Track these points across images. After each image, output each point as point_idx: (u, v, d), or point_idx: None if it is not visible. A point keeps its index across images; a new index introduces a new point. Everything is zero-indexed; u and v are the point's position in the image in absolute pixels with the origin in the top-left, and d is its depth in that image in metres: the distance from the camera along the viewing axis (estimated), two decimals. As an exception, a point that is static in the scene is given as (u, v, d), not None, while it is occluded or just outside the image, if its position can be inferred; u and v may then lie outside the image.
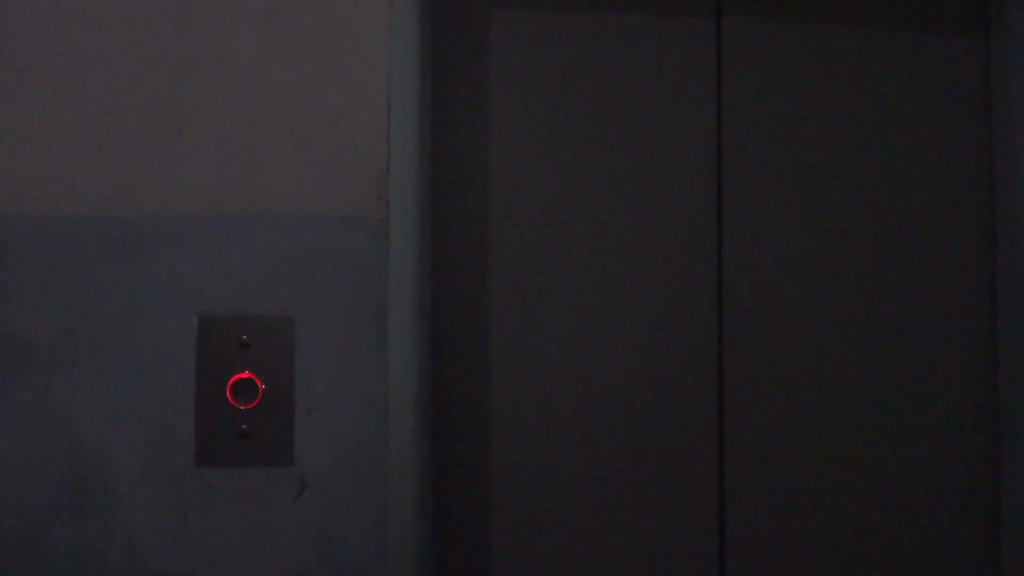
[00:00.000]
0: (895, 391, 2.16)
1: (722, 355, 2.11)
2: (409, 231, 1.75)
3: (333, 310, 1.57)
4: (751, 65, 2.14)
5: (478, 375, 2.03)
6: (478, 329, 2.03)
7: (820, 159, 2.15)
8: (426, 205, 1.95)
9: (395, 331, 1.62)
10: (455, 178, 2.04)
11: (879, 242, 2.17)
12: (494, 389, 2.03)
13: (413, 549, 1.77)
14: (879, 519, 2.15)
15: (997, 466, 2.17)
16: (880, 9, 2.17)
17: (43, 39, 1.58)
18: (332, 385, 1.58)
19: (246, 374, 1.57)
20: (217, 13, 1.59)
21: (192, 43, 1.59)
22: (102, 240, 1.57)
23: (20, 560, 1.55)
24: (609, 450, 2.07)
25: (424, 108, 1.93)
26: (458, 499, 2.02)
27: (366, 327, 1.58)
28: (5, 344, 1.56)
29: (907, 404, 2.16)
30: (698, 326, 2.11)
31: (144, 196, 1.57)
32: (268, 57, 1.59)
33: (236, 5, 1.59)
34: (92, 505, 1.56)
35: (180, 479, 1.57)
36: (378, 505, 1.57)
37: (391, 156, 1.59)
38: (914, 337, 2.17)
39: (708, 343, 2.11)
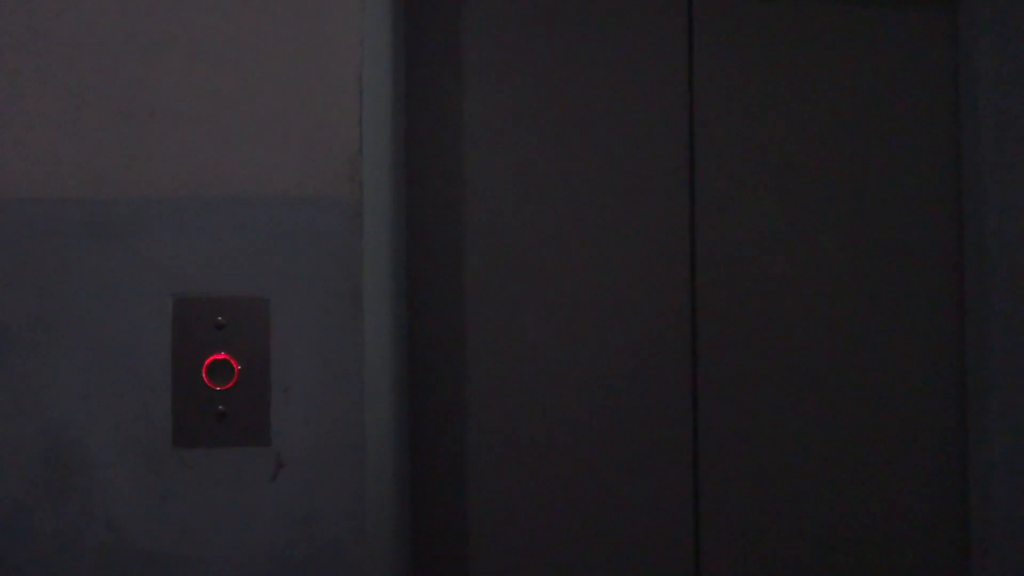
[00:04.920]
0: (866, 378, 2.18)
1: (696, 339, 2.13)
2: (383, 212, 1.76)
3: (308, 291, 1.58)
4: (722, 41, 2.15)
5: (455, 356, 2.05)
6: (454, 311, 2.05)
7: (791, 136, 2.17)
8: (400, 187, 1.96)
9: (370, 311, 1.63)
10: (430, 160, 2.05)
11: (850, 221, 2.19)
12: (470, 371, 2.05)
13: (390, 527, 1.79)
14: (850, 508, 2.17)
15: (965, 453, 2.20)
16: (850, -13, 2.19)
17: (13, 23, 1.58)
18: (307, 365, 1.59)
19: (222, 355, 1.58)
20: (189, -4, 1.60)
21: (164, 26, 1.59)
22: (76, 223, 1.57)
23: (-1, 543, 1.57)
24: (585, 431, 2.08)
25: (398, 90, 1.94)
26: (436, 480, 2.04)
27: (341, 307, 1.59)
28: (-20, 328, 1.57)
29: (877, 392, 2.18)
30: (671, 307, 2.13)
31: (117, 179, 1.58)
32: (239, 39, 1.59)
33: (207, -12, 1.60)
34: (70, 487, 1.57)
35: (158, 460, 1.58)
36: (354, 484, 1.58)
37: (363, 138, 1.59)
38: (885, 325, 2.19)
39: (681, 324, 2.13)
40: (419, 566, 2.03)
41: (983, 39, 2.13)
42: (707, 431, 2.12)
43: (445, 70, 2.06)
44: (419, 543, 2.04)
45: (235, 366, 1.58)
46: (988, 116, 2.13)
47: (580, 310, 2.08)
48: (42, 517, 1.57)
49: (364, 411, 1.60)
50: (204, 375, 1.58)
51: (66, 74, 1.58)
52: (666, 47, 2.13)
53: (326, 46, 1.59)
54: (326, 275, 1.59)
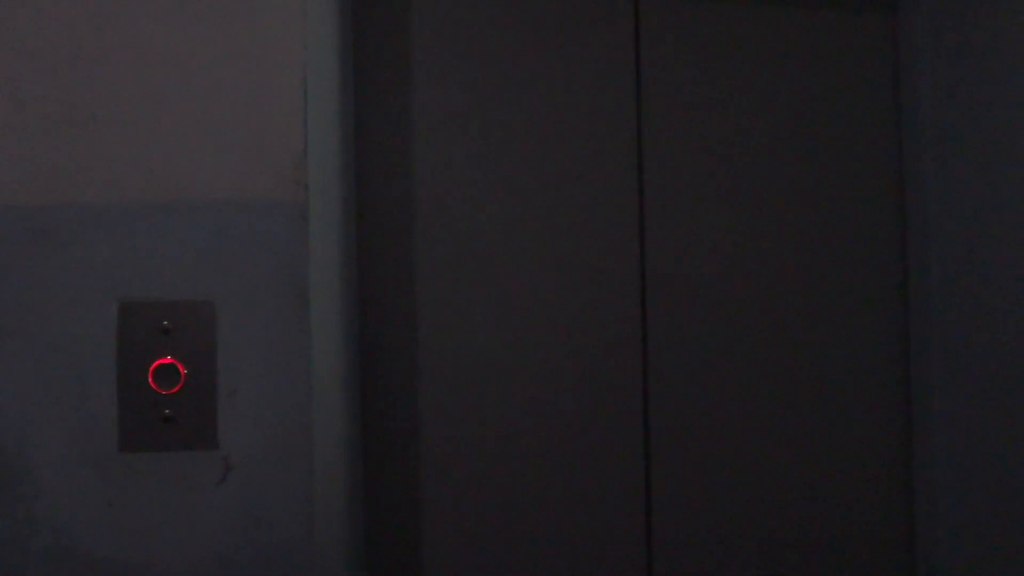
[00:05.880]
0: (813, 378, 2.22)
1: (646, 339, 2.15)
2: (331, 215, 1.76)
3: (253, 294, 1.58)
4: (669, 44, 2.17)
5: (407, 357, 2.05)
6: (406, 312, 2.05)
7: (737, 137, 2.20)
8: (349, 189, 1.97)
9: (317, 314, 1.63)
10: (380, 161, 2.05)
11: (796, 222, 2.22)
12: (423, 371, 2.05)
13: (341, 528, 1.79)
14: (800, 505, 2.21)
15: (909, 448, 2.24)
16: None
17: (-49, 29, 1.57)
18: (254, 369, 1.59)
19: (168, 359, 1.57)
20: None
21: (104, 30, 1.58)
22: (18, 229, 1.56)
23: (-59, 551, 1.55)
24: (538, 431, 2.10)
25: (346, 91, 1.94)
26: (390, 480, 2.05)
27: (287, 311, 1.59)
28: (-78, 335, 1.55)
29: (825, 392, 2.22)
30: (621, 306, 2.15)
31: (60, 185, 1.56)
32: (180, 43, 1.58)
33: (147, -9, 1.59)
34: (14, 494, 1.56)
35: (104, 465, 1.57)
36: (303, 485, 1.59)
37: (308, 139, 1.59)
38: (831, 326, 2.23)
39: (631, 324, 2.15)
40: (374, 566, 2.04)
41: (921, 42, 2.17)
42: (658, 431, 2.14)
43: (395, 72, 2.06)
44: (373, 543, 2.04)
45: (181, 370, 1.57)
46: (927, 117, 2.17)
47: (531, 311, 2.10)
48: (-14, 524, 1.56)
49: (312, 412, 1.60)
50: (150, 379, 1.57)
51: (5, 80, 1.57)
52: (614, 49, 2.15)
53: (268, 49, 1.58)
54: (272, 278, 1.58)
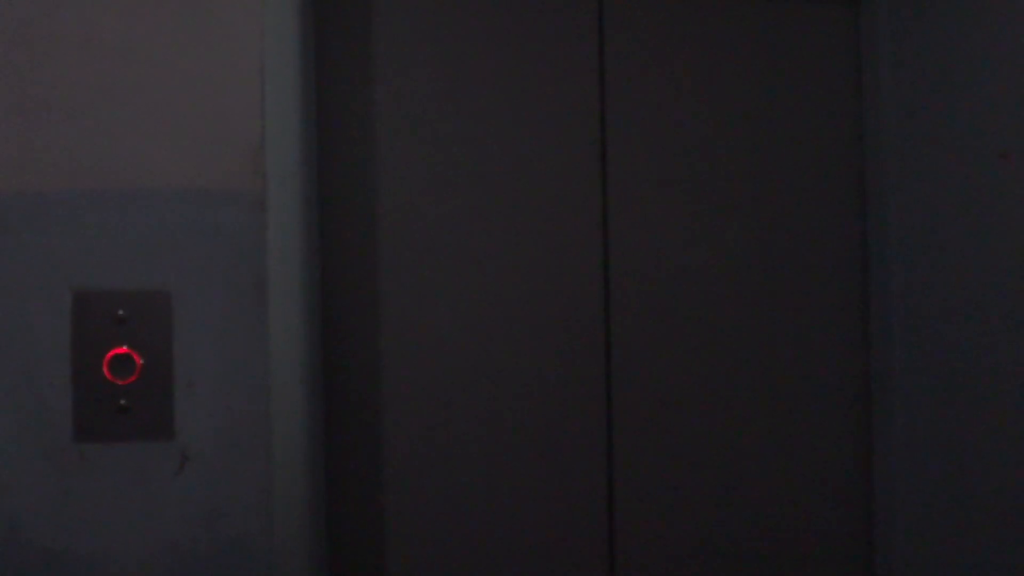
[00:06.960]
0: (775, 372, 2.22)
1: (609, 333, 2.15)
2: (290, 205, 1.75)
3: (210, 284, 1.57)
4: (633, 37, 2.17)
5: (370, 350, 2.04)
6: (369, 304, 2.04)
7: (701, 131, 2.20)
8: (311, 179, 1.95)
9: (276, 305, 1.62)
10: (343, 152, 2.04)
11: (758, 216, 2.22)
12: (386, 364, 2.05)
13: (301, 521, 1.78)
14: (761, 506, 2.21)
15: (870, 450, 2.25)
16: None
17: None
18: (212, 359, 1.57)
19: (123, 349, 1.56)
20: (84, -14, 1.57)
21: (57, 17, 1.56)
22: (-30, 217, 1.54)
23: None
24: (501, 425, 2.10)
25: (307, 81, 1.92)
26: (353, 474, 2.04)
27: (244, 301, 1.57)
28: None
29: (786, 386, 2.23)
30: (584, 300, 2.14)
31: (13, 174, 1.54)
32: (135, 31, 1.57)
33: (103, -23, 1.57)
34: (-32, 486, 1.54)
35: (59, 456, 1.55)
36: (261, 477, 1.57)
37: (267, 129, 1.58)
38: (792, 319, 2.23)
39: (594, 318, 2.15)
40: (336, 560, 2.03)
41: (883, 34, 2.18)
42: (621, 427, 2.14)
43: (358, 62, 2.05)
44: (336, 537, 2.03)
45: (137, 360, 1.56)
46: (890, 110, 2.17)
47: (494, 304, 2.09)
48: (-60, 517, 1.54)
49: (270, 404, 1.59)
50: (105, 369, 1.55)
51: (-44, 68, 1.55)
52: (578, 42, 2.14)
53: (226, 37, 1.57)
54: (230, 268, 1.57)
